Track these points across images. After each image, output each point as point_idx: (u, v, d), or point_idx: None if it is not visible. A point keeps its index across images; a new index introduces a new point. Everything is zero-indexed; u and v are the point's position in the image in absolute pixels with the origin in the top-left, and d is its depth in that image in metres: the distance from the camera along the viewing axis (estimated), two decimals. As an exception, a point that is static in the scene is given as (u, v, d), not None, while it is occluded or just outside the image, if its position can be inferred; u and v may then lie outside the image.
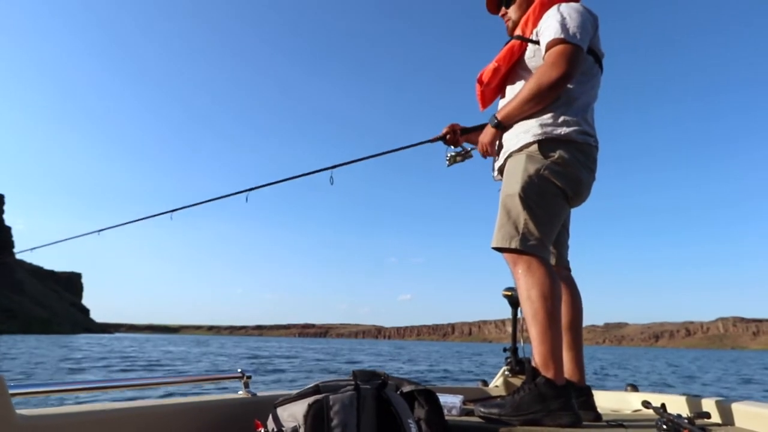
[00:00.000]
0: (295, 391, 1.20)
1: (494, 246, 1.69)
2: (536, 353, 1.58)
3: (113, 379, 1.24)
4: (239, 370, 1.47)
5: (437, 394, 1.28)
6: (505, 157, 1.77)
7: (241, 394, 1.45)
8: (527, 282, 1.61)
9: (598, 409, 1.76)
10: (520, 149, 1.71)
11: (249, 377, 1.48)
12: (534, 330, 1.58)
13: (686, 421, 1.28)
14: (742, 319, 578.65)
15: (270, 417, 1.17)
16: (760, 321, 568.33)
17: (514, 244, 1.64)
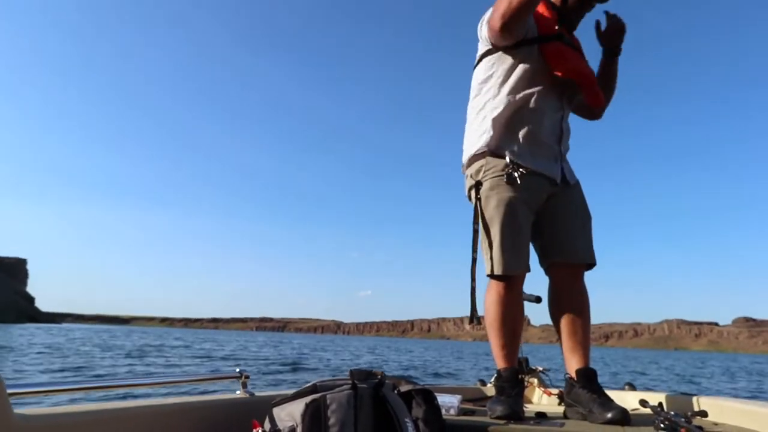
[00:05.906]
0: (292, 391, 1.20)
1: (592, 262, 1.80)
2: (586, 354, 1.73)
3: (111, 379, 1.24)
4: (237, 370, 1.46)
5: (435, 393, 1.28)
6: (574, 177, 1.86)
7: (239, 394, 1.45)
8: (587, 294, 1.81)
9: None
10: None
11: (247, 377, 1.48)
12: (588, 334, 1.76)
13: (683, 419, 1.29)
14: (685, 322, 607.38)
15: (267, 417, 1.17)
16: (700, 324, 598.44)
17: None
